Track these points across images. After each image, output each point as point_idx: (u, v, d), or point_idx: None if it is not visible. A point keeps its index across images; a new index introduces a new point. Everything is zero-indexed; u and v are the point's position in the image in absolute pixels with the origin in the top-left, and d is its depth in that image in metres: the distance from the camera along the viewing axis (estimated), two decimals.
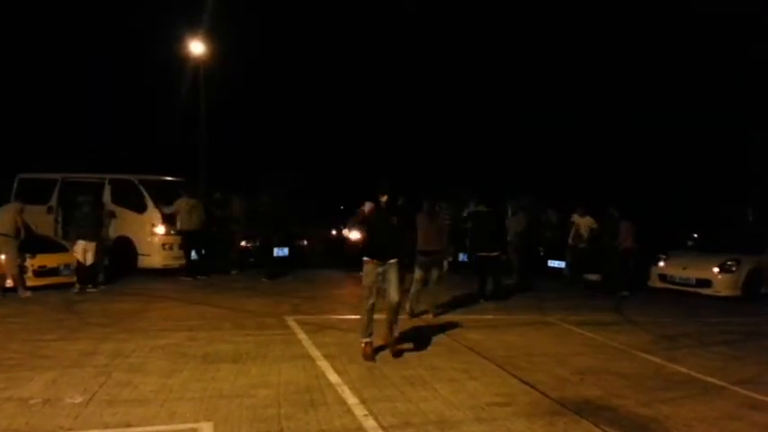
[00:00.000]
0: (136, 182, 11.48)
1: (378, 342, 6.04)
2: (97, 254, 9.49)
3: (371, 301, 5.88)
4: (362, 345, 5.93)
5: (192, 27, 16.47)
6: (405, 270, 6.46)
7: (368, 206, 5.98)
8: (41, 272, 9.38)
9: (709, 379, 5.73)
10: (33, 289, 9.01)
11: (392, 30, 24.01)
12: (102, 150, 17.93)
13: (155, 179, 12.05)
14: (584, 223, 12.11)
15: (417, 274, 8.06)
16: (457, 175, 21.68)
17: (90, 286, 9.42)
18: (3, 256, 8.80)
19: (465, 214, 12.87)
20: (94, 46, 20.65)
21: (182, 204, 10.93)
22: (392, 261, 5.97)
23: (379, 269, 5.91)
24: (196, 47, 16.32)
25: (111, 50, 20.59)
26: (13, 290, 8.84)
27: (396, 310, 6.04)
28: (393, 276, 5.95)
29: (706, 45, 20.33)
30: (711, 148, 19.51)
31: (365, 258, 5.96)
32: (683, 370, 6.05)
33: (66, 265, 9.55)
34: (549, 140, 23.06)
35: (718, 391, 5.41)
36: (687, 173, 19.96)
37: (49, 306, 8.20)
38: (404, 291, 6.50)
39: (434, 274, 8.03)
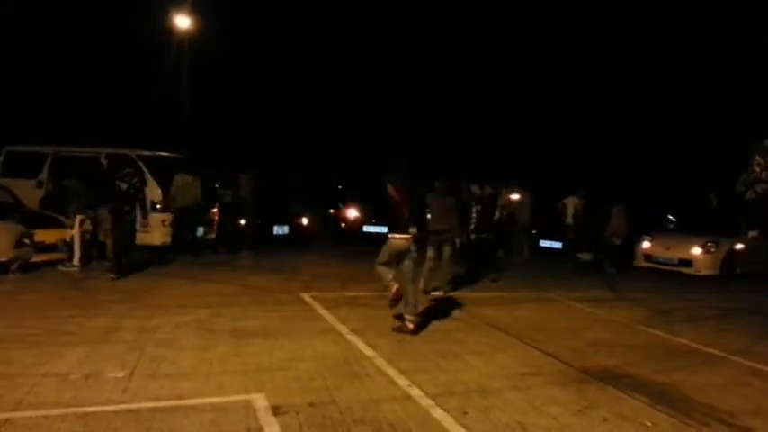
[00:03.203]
0: (134, 157, 11.15)
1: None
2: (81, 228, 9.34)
3: (390, 276, 5.98)
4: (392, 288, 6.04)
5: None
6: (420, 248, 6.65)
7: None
8: (40, 248, 9.23)
9: (709, 350, 6.16)
10: (32, 265, 8.82)
11: (393, 21, 23.74)
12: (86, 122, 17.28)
13: (152, 155, 11.76)
14: (571, 203, 12.77)
15: (429, 252, 8.27)
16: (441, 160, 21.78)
17: (69, 263, 9.25)
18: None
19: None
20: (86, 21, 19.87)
21: (177, 180, 10.83)
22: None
23: (410, 246, 6.04)
24: (182, 21, 15.97)
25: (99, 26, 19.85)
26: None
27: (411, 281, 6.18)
28: (414, 253, 6.14)
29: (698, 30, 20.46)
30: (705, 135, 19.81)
31: (390, 234, 6.11)
32: (684, 341, 6.48)
33: (65, 242, 9.42)
34: (534, 126, 23.30)
35: (720, 360, 5.83)
36: (675, 159, 20.31)
37: (54, 283, 8.10)
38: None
39: (446, 252, 8.26)
